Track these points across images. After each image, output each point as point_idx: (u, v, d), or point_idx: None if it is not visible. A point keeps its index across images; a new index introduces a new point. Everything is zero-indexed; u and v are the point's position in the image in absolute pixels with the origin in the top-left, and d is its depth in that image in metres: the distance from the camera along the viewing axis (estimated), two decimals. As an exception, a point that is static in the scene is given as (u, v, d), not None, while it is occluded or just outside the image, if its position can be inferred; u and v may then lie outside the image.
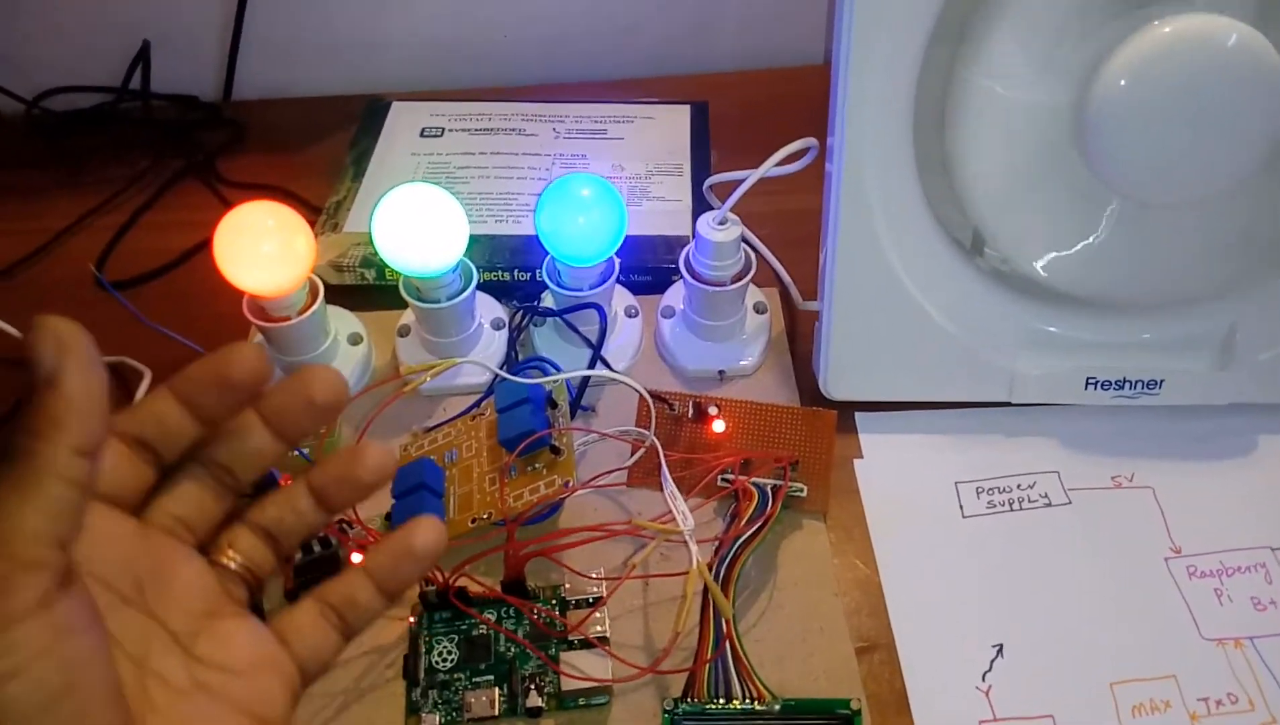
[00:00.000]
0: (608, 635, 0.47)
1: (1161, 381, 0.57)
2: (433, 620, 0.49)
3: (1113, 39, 0.47)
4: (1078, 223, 0.54)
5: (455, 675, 0.47)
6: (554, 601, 0.49)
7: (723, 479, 0.53)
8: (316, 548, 0.49)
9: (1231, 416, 0.57)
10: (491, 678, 0.47)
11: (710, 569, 0.48)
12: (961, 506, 0.55)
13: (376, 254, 0.53)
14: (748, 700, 0.45)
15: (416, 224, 0.51)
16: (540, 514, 0.52)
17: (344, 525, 0.49)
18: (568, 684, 0.45)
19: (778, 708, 0.45)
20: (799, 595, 0.50)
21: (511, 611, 0.49)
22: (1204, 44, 0.46)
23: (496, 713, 0.45)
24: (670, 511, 0.46)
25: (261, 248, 0.52)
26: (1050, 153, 0.51)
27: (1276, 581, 0.52)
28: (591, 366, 0.54)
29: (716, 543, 0.49)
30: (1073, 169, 0.51)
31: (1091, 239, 0.54)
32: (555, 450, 0.50)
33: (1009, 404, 0.58)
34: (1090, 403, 0.57)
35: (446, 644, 0.48)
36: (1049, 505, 0.55)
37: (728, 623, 0.44)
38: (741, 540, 0.49)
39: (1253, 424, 0.58)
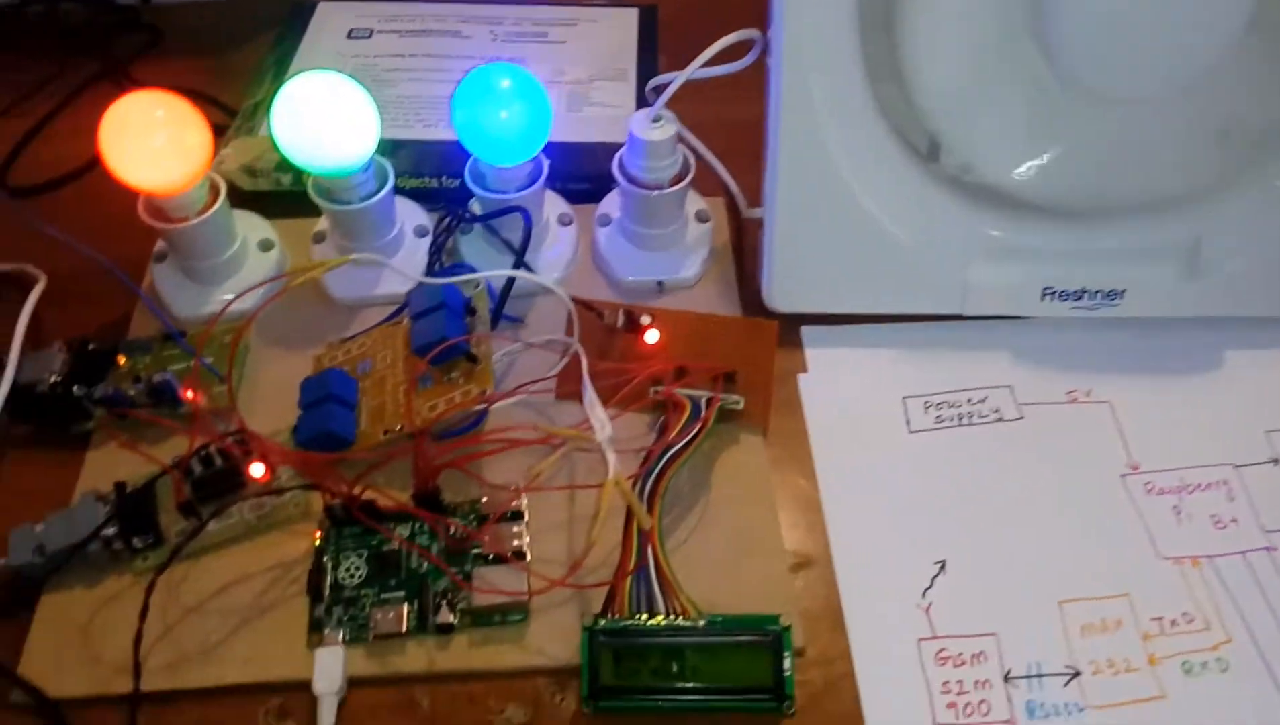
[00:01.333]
0: (525, 551, 0.44)
1: (1123, 292, 0.54)
2: (340, 535, 0.45)
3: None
4: (1037, 123, 0.50)
5: (362, 591, 0.44)
6: (471, 516, 0.46)
7: (654, 390, 0.50)
8: (217, 461, 0.46)
9: (1196, 330, 0.55)
10: (401, 594, 0.44)
11: (636, 482, 0.45)
12: (908, 421, 0.52)
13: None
14: (671, 616, 0.42)
15: (319, 114, 0.47)
16: (461, 427, 0.48)
17: (243, 438, 0.46)
18: (481, 600, 0.42)
19: (703, 623, 0.42)
20: (733, 512, 0.47)
21: (424, 527, 0.46)
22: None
23: (405, 629, 0.42)
24: (589, 421, 0.43)
25: (150, 141, 0.47)
26: (1007, 47, 0.47)
27: (1239, 499, 0.49)
28: (515, 270, 0.51)
29: (644, 454, 0.46)
30: (1031, 64, 0.47)
31: (1052, 140, 0.50)
32: (472, 358, 0.47)
33: (961, 317, 0.55)
34: (1047, 314, 0.54)
35: (355, 559, 0.45)
36: (1000, 420, 0.52)
37: (649, 536, 0.41)
38: (670, 453, 0.46)
39: (1219, 339, 0.55)
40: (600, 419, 0.41)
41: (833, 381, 0.54)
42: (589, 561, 0.45)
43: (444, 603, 0.43)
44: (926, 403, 0.53)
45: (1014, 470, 0.50)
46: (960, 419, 0.52)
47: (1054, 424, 0.52)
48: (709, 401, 0.48)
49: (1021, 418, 0.52)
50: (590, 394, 0.43)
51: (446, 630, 0.43)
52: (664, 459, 0.45)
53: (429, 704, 0.42)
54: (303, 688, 0.41)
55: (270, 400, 0.50)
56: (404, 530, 0.45)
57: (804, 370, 0.54)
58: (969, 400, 0.53)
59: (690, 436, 0.46)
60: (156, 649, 0.42)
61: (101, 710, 0.41)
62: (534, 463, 0.47)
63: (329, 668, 0.41)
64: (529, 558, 0.44)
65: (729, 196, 0.61)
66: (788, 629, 0.42)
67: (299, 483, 0.45)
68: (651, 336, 0.51)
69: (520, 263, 0.51)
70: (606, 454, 0.40)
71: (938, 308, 0.55)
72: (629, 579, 0.42)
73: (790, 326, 0.55)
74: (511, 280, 0.50)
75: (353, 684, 0.42)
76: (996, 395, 0.53)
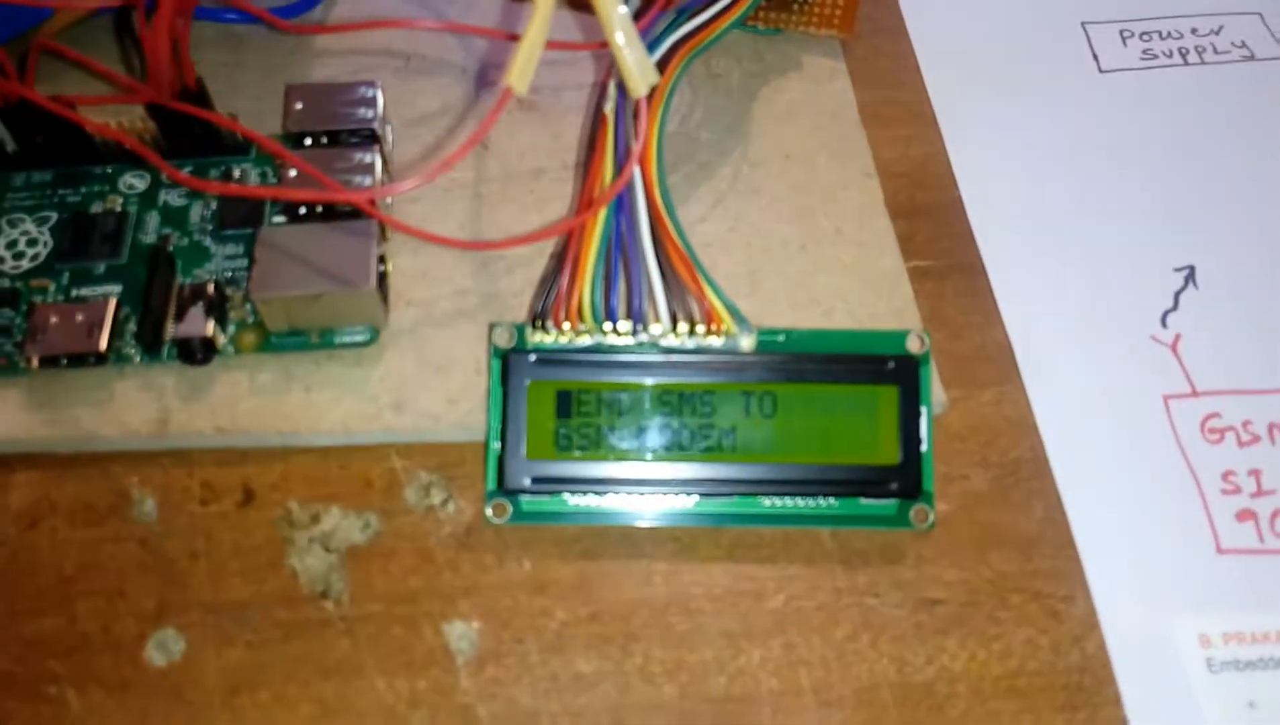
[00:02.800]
0: (378, 189, 0.22)
1: None
2: (8, 187, 0.23)
3: None
4: None
5: (35, 281, 0.21)
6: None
7: (648, -40, 0.27)
8: None
9: None
10: (117, 288, 0.21)
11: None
12: (1096, 56, 0.30)
13: None
14: (684, 328, 0.20)
15: None
16: (282, 4, 0.25)
17: None
18: (278, 289, 0.20)
19: (747, 345, 0.20)
20: (799, 173, 0.25)
21: (187, 168, 0.23)
22: None
23: (104, 347, 0.20)
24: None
25: None
26: None
27: None
28: None
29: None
30: None
31: None
32: None
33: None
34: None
35: (31, 227, 0.22)
36: (1250, 59, 0.30)
37: (646, 114, 0.19)
38: (682, 28, 0.23)
39: None
40: None
41: (956, -3, 0.31)
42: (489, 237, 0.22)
43: (201, 303, 0.21)
44: (1125, 31, 0.30)
45: (1285, 132, 0.28)
46: (1184, 55, 0.30)
47: (1342, 68, 0.30)
48: (750, -29, 0.25)
49: (1285, 56, 0.30)
50: None
51: (200, 357, 0.20)
52: (671, 35, 0.23)
53: (156, 505, 0.20)
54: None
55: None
56: (135, 180, 0.23)
57: (904, -20, 0.32)
58: (1194, 30, 0.30)
59: (719, 6, 0.24)
60: None
61: None
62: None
63: (-75, 420, 0.19)
64: (389, 230, 0.22)
65: None
66: (924, 357, 0.20)
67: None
68: None
69: None
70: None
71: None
72: (593, 251, 0.20)
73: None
74: None
75: (-8, 459, 0.20)
76: (1239, 24, 0.31)
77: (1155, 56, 0.30)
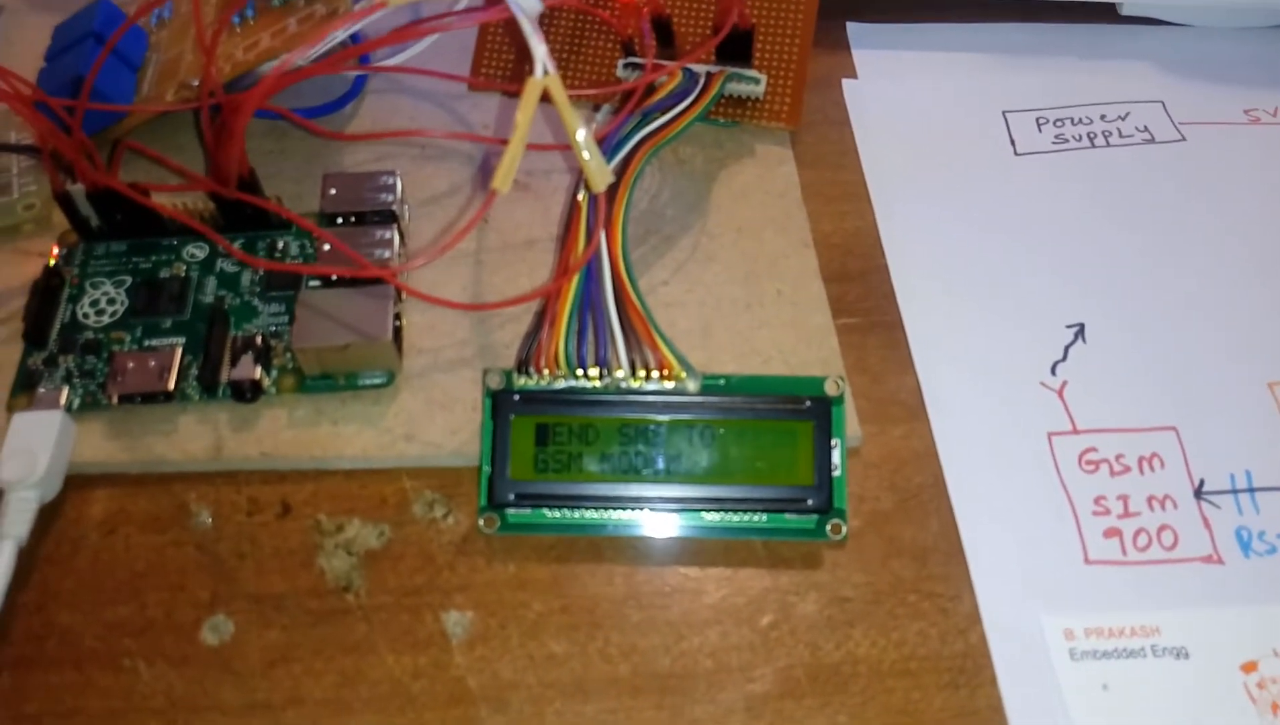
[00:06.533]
0: (396, 263, 0.26)
1: (1338, -40, 0.36)
2: (91, 254, 0.28)
3: None
4: None
5: (113, 334, 0.26)
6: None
7: (626, 64, 0.31)
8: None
9: None
10: (180, 340, 0.26)
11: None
12: (1014, 141, 0.34)
13: None
14: (640, 374, 0.25)
15: None
16: (316, 103, 0.30)
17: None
18: (313, 340, 0.25)
19: (693, 387, 0.25)
20: (748, 244, 0.30)
21: (239, 241, 0.28)
22: None
23: (171, 387, 0.25)
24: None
25: None
26: None
27: None
28: None
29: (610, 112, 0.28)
30: None
31: None
32: (320, -33, 0.29)
33: (1082, 18, 0.37)
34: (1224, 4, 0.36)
35: (110, 288, 0.27)
36: (1151, 142, 0.34)
37: (611, 217, 0.23)
38: (650, 125, 0.28)
39: None
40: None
41: (894, 89, 0.36)
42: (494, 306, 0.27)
43: (251, 352, 0.25)
44: (1040, 118, 0.35)
45: (1179, 206, 0.32)
46: (1092, 138, 0.34)
47: (1229, 149, 0.34)
48: (711, 75, 0.30)
49: (1182, 139, 0.34)
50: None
51: (249, 396, 0.25)
52: (638, 132, 0.27)
53: (211, 516, 0.24)
54: (-11, 481, 0.24)
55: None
56: (196, 250, 0.28)
57: (851, 75, 0.36)
58: (1103, 116, 0.35)
59: (679, 109, 0.28)
60: None
61: None
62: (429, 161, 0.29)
63: (31, 442, 0.23)
64: (404, 294, 0.26)
65: None
66: (839, 399, 0.25)
67: (23, 145, 0.27)
68: (621, -14, 0.33)
69: None
70: (528, 36, 0.21)
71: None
72: (567, 310, 0.24)
73: (827, 23, 0.37)
74: None
75: (76, 480, 0.24)
76: (1144, 111, 0.35)
77: (1066, 141, 0.35)
